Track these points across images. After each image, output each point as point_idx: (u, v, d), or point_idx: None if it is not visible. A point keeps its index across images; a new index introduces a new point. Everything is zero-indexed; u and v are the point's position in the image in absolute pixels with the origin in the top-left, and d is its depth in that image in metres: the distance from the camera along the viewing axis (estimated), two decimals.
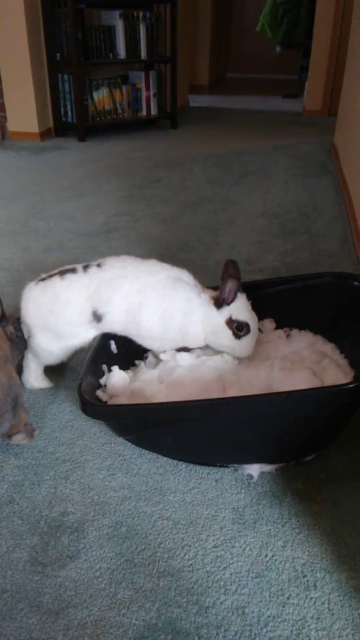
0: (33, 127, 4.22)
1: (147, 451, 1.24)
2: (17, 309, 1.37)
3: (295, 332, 1.44)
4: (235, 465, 1.18)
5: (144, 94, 4.65)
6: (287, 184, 3.24)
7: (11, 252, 2.29)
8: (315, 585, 0.94)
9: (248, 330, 1.27)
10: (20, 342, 1.36)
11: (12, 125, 4.30)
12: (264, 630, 0.88)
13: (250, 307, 1.29)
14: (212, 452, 1.19)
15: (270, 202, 2.93)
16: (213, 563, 0.98)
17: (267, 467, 1.17)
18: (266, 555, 1.00)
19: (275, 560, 0.99)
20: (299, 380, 1.20)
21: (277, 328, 1.46)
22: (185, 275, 1.33)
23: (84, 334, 1.34)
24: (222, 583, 0.95)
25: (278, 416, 1.08)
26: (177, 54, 4.55)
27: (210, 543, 1.02)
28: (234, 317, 1.26)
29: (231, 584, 0.95)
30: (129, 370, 1.37)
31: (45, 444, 1.26)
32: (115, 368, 1.34)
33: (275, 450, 1.17)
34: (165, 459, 1.22)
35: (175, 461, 1.21)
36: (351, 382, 1.04)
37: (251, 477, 1.16)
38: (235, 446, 1.17)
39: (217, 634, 0.87)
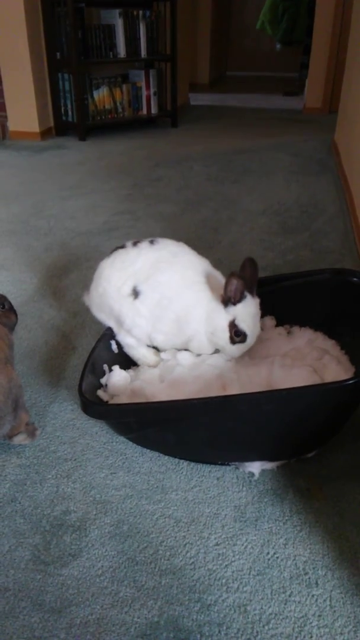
0: (33, 126, 4.22)
1: (148, 450, 1.24)
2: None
3: (295, 329, 1.44)
4: (237, 463, 1.18)
5: (144, 92, 4.65)
6: (288, 182, 3.23)
7: (12, 251, 2.29)
8: (317, 583, 0.94)
9: (244, 341, 1.26)
10: (8, 322, 1.34)
11: (12, 125, 4.30)
12: (266, 627, 0.88)
13: (258, 316, 1.27)
14: (214, 450, 1.19)
15: (271, 200, 2.92)
16: (215, 561, 0.99)
17: (269, 465, 1.17)
18: (268, 553, 1.00)
19: (277, 557, 0.99)
20: (299, 377, 1.20)
21: (277, 325, 1.46)
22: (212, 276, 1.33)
23: None
24: (224, 581, 0.95)
25: (279, 413, 1.08)
26: (177, 53, 4.55)
27: (212, 541, 1.02)
28: (237, 322, 1.24)
29: (233, 582, 0.95)
30: (129, 370, 1.37)
31: (47, 443, 1.26)
32: (115, 367, 1.34)
33: (276, 448, 1.17)
34: (166, 457, 1.22)
35: (176, 459, 1.21)
36: (352, 378, 1.03)
37: (252, 474, 1.16)
38: (237, 444, 1.17)
39: (219, 631, 0.87)
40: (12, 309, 1.37)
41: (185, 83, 5.74)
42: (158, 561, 0.99)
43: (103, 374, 1.33)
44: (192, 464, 1.20)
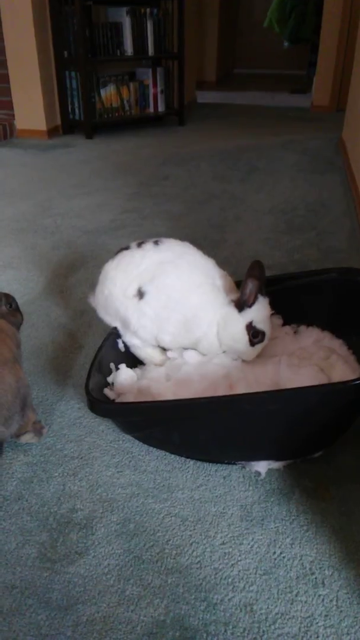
0: (41, 124, 4.23)
1: (154, 448, 1.24)
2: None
3: (302, 328, 1.44)
4: (243, 462, 1.18)
5: (151, 90, 4.65)
6: (295, 180, 3.22)
7: (19, 249, 2.30)
8: (323, 583, 0.94)
9: (262, 340, 1.27)
10: (15, 320, 1.35)
11: (19, 123, 4.31)
12: (272, 627, 0.88)
13: (269, 314, 1.28)
14: (220, 449, 1.19)
15: (278, 199, 2.92)
16: (221, 560, 0.99)
17: (275, 464, 1.17)
18: (274, 553, 1.00)
19: (284, 557, 0.99)
20: (306, 377, 1.20)
21: (284, 324, 1.46)
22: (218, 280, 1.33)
23: None
24: (230, 580, 0.95)
25: (285, 413, 1.08)
26: (184, 51, 4.54)
27: (218, 540, 1.02)
28: (254, 324, 1.25)
29: (239, 581, 0.95)
30: (136, 368, 1.37)
31: (54, 441, 1.27)
32: (122, 366, 1.34)
33: (282, 447, 1.17)
34: (173, 456, 1.22)
35: (183, 458, 1.22)
36: (359, 378, 1.03)
37: (259, 474, 1.16)
38: (243, 443, 1.17)
39: (225, 630, 0.87)
40: (18, 308, 1.37)
41: (192, 81, 5.73)
42: (164, 560, 0.99)
43: (110, 372, 1.33)
44: (199, 462, 1.20)
